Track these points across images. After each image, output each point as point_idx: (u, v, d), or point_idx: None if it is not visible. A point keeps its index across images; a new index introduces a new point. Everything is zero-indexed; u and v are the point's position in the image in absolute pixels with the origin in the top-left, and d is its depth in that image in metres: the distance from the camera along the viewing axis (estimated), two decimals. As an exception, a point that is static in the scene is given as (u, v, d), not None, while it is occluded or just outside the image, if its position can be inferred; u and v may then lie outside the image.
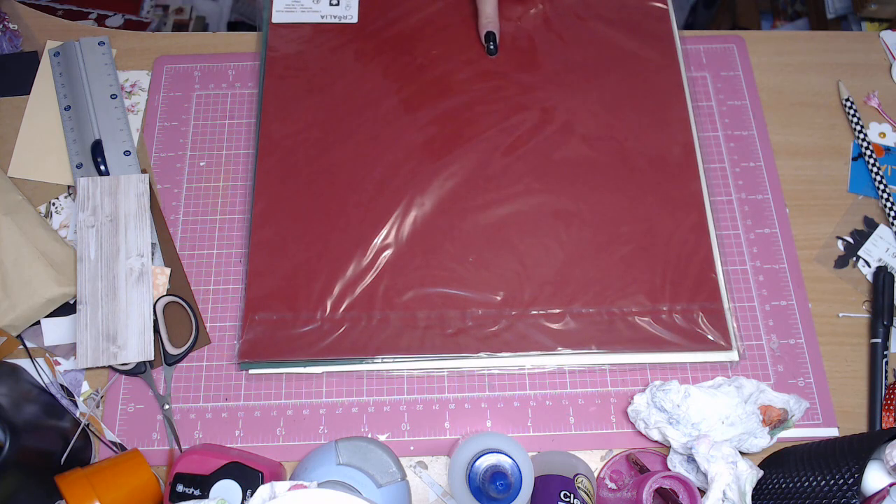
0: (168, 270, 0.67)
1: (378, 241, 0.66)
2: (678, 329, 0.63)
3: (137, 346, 0.62)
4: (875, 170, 0.71)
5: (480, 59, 0.74)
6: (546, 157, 0.70)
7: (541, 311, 0.64)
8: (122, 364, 0.62)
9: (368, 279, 0.65)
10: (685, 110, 0.72)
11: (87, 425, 0.61)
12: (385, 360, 0.62)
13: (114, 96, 0.73)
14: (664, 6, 0.77)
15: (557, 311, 0.64)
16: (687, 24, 1.69)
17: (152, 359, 0.62)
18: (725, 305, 0.64)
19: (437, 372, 0.63)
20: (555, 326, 0.63)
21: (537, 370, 0.64)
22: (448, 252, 0.66)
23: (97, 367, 0.63)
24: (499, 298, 0.64)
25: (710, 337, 0.63)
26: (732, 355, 0.63)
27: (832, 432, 0.62)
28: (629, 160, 0.69)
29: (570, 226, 0.67)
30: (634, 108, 0.72)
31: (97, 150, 0.70)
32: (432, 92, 0.73)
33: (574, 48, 0.75)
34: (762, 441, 0.58)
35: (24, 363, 0.63)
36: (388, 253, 0.66)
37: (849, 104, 0.74)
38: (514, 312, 0.64)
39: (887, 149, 0.73)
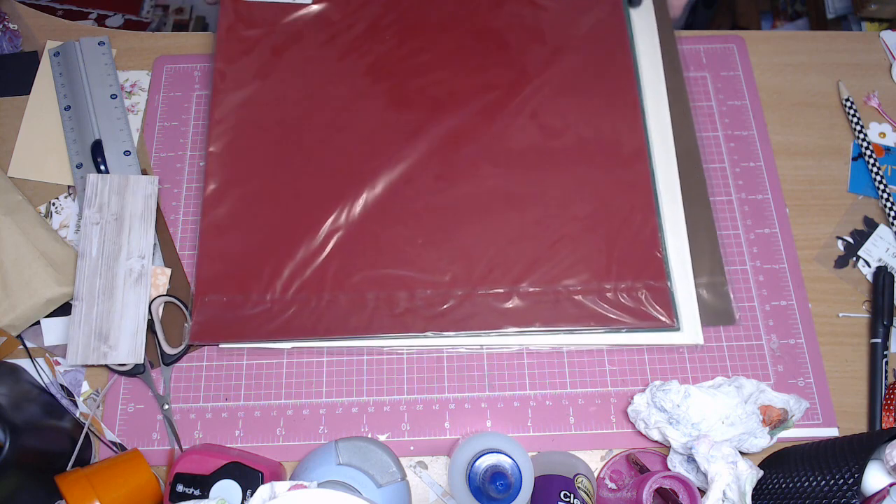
0: (169, 271, 0.67)
1: (329, 223, 0.66)
2: (622, 307, 0.64)
3: (128, 348, 0.62)
4: (875, 170, 0.71)
5: (436, 43, 0.74)
6: (498, 140, 0.70)
7: (488, 291, 0.64)
8: (119, 364, 0.62)
9: (318, 261, 0.65)
10: (635, 94, 0.72)
11: (89, 427, 0.61)
12: (344, 339, 0.63)
13: (114, 96, 0.73)
14: None
15: (504, 290, 0.64)
16: (686, 25, 1.68)
17: (142, 361, 0.62)
18: (671, 283, 0.64)
19: (395, 350, 0.64)
20: (502, 305, 0.63)
21: (496, 349, 0.64)
22: (399, 234, 0.66)
23: (94, 366, 0.63)
24: (447, 279, 0.65)
25: (653, 313, 0.63)
26: (697, 338, 0.63)
27: (832, 432, 0.62)
28: (580, 143, 0.70)
29: (519, 208, 0.67)
30: (585, 92, 0.72)
31: (97, 150, 0.70)
32: (387, 76, 0.72)
33: (530, 33, 0.74)
34: (762, 441, 0.58)
35: (24, 363, 0.63)
36: (338, 235, 0.66)
37: (849, 104, 0.74)
38: (461, 292, 0.64)
39: (887, 149, 0.73)
